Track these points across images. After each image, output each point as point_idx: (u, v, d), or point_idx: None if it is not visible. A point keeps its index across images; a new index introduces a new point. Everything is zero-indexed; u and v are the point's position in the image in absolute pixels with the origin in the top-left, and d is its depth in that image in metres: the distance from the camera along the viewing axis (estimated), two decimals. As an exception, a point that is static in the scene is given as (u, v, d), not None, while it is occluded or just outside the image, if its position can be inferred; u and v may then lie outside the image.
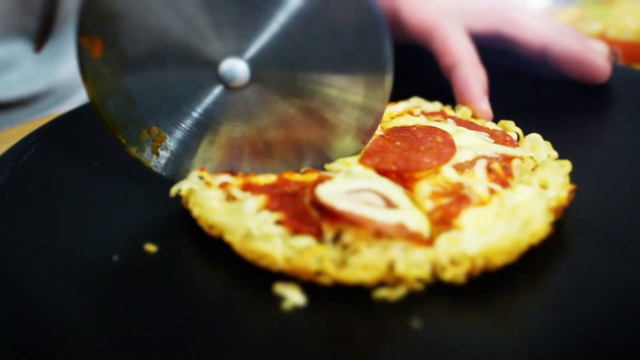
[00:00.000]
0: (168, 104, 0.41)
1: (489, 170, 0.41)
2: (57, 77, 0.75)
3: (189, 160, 0.43)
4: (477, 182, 0.39)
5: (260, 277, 0.36)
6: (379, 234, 0.36)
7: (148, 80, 0.40)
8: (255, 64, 0.40)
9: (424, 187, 0.39)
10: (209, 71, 0.40)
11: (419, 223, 0.37)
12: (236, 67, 0.40)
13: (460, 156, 0.42)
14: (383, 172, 0.41)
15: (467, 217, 0.37)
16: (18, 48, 0.72)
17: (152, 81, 0.41)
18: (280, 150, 0.43)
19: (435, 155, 0.41)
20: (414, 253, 0.35)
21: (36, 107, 0.75)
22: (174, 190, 0.42)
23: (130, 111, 0.41)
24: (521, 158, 0.43)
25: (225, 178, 0.41)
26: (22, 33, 0.71)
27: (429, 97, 0.56)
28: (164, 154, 0.43)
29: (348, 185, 0.38)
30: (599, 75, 0.56)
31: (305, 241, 0.36)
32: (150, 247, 0.39)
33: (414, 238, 0.36)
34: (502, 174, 0.40)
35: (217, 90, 0.41)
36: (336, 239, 0.36)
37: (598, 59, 0.56)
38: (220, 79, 0.41)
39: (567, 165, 0.42)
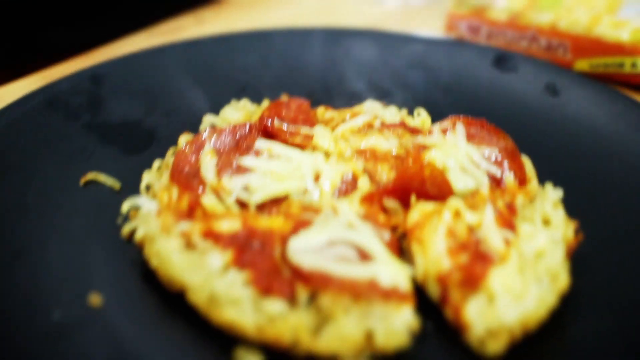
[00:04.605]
0: None
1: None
2: None
3: None
4: (490, 232, 0.37)
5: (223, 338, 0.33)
6: (356, 297, 0.33)
7: None
8: None
9: (439, 242, 0.36)
10: None
11: (394, 277, 0.34)
12: None
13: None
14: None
15: (495, 278, 0.34)
16: None
17: None
18: None
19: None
20: (394, 320, 0.33)
21: None
22: (125, 230, 0.37)
23: None
24: (523, 193, 0.41)
25: (185, 226, 0.37)
26: None
27: (381, 96, 0.55)
28: None
29: (323, 236, 0.36)
30: None
31: (277, 306, 0.33)
32: (95, 299, 0.34)
33: (390, 295, 0.33)
34: (507, 214, 0.39)
35: None
36: (311, 299, 0.34)
37: None
38: None
39: (558, 191, 0.41)
